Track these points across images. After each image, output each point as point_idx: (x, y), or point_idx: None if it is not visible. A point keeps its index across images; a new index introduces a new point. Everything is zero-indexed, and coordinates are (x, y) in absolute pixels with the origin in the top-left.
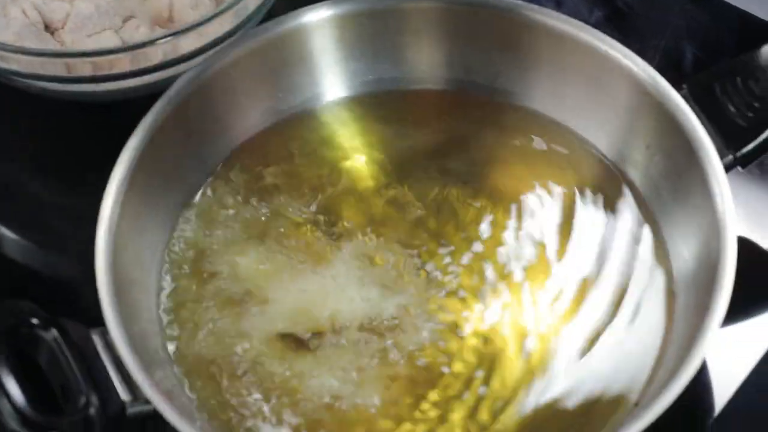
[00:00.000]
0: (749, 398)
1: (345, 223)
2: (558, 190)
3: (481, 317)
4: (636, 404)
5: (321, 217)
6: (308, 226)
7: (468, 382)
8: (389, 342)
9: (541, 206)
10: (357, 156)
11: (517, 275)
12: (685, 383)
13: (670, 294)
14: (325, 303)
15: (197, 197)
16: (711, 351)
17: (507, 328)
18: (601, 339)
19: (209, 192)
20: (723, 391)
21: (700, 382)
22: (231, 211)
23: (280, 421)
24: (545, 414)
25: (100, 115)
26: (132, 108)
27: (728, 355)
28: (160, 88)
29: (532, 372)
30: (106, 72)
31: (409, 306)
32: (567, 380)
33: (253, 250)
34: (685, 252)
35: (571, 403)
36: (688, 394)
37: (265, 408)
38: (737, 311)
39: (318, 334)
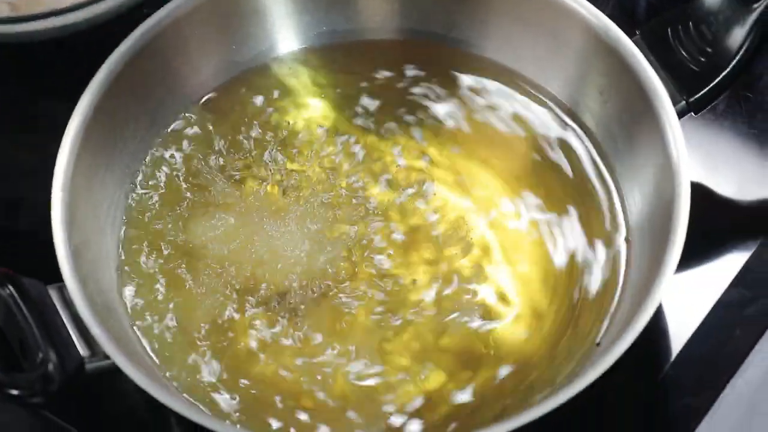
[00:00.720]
0: (704, 343)
1: (298, 175)
2: (512, 137)
3: (436, 260)
4: (598, 344)
5: (274, 171)
6: (260, 181)
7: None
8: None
9: (497, 153)
10: (311, 108)
11: (471, 219)
12: (638, 331)
13: (624, 239)
14: (277, 258)
15: (153, 152)
16: (666, 297)
17: (461, 268)
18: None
19: (164, 147)
20: (679, 336)
21: (657, 327)
22: (184, 167)
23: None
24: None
25: (51, 71)
26: (84, 63)
27: (683, 300)
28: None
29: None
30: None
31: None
32: (521, 322)
33: (205, 206)
34: (639, 198)
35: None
36: (645, 339)
37: (214, 364)
38: (691, 256)
39: (278, 293)
